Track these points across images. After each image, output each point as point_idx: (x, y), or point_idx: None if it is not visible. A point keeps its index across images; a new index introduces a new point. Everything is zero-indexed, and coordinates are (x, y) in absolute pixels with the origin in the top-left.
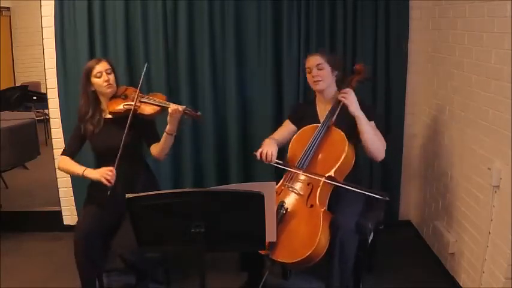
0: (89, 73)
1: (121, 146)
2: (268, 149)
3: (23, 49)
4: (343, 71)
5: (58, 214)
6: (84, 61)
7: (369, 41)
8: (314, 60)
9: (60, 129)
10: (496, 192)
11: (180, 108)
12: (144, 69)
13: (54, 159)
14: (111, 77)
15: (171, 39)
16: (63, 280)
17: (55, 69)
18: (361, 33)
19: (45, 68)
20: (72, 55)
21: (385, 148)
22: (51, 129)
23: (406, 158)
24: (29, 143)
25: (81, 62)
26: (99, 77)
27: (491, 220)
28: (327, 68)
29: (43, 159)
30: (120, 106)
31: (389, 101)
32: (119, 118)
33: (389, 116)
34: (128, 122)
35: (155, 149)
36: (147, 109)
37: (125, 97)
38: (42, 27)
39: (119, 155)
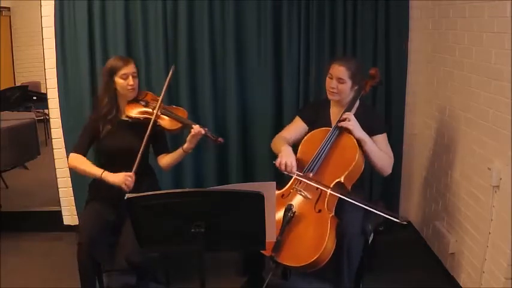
0: (113, 72)
1: (139, 156)
2: (288, 159)
3: (23, 49)
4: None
5: (58, 214)
6: (84, 61)
7: (369, 41)
8: (338, 72)
9: (60, 129)
10: (496, 192)
11: (203, 131)
12: (170, 74)
13: (54, 159)
14: (136, 80)
15: (171, 39)
16: (63, 280)
17: (55, 69)
18: (361, 33)
19: (45, 68)
20: (72, 55)
21: (392, 163)
22: (51, 129)
23: (406, 158)
24: (29, 143)
25: (81, 62)
26: (125, 79)
27: (491, 220)
28: (348, 84)
29: (43, 159)
30: (140, 113)
31: (390, 101)
32: (135, 123)
33: (390, 116)
34: (148, 133)
35: (164, 160)
36: (168, 123)
37: (145, 104)
38: (42, 27)
39: (136, 163)
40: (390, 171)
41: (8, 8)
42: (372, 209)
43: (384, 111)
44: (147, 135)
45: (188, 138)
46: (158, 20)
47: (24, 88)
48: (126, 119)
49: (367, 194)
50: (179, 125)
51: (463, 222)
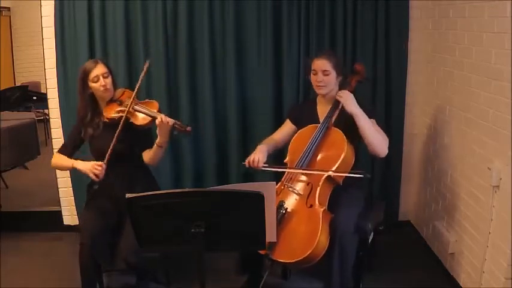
0: (85, 76)
1: (109, 151)
2: (255, 156)
3: (23, 49)
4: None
5: (58, 214)
6: (84, 61)
7: (368, 41)
8: (321, 65)
9: (60, 129)
10: (496, 192)
11: (170, 122)
12: (143, 71)
13: None
14: (108, 80)
15: (171, 39)
16: (63, 280)
17: (55, 69)
18: (361, 33)
19: (45, 68)
20: (72, 55)
21: (388, 144)
22: (51, 129)
23: (406, 158)
24: (29, 143)
25: (81, 62)
26: (96, 82)
27: (491, 220)
28: (333, 74)
29: (43, 159)
30: (115, 112)
31: (390, 101)
32: (118, 124)
33: (390, 116)
34: (118, 129)
35: (146, 156)
36: (139, 119)
37: (120, 102)
38: (42, 27)
39: (107, 155)
40: (386, 152)
41: (8, 8)
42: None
43: (384, 111)
44: (118, 132)
45: (157, 131)
46: (158, 20)
47: (24, 88)
48: (106, 120)
49: (367, 194)
50: (149, 119)
51: (463, 222)
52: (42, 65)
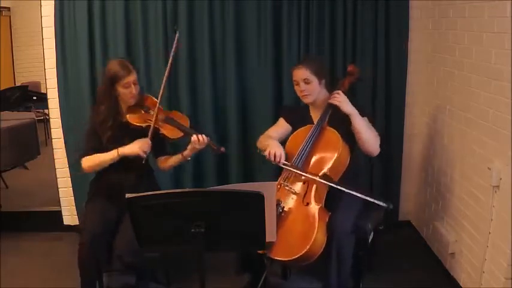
0: (115, 80)
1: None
2: (277, 150)
3: (23, 49)
4: (331, 75)
5: (58, 214)
6: (84, 61)
7: (368, 41)
8: (301, 74)
9: (60, 129)
10: (496, 192)
11: (206, 140)
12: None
13: (54, 159)
14: (137, 87)
15: (171, 39)
16: (63, 280)
17: (55, 69)
18: (361, 33)
19: (45, 68)
20: (72, 55)
21: (379, 142)
22: (51, 129)
23: (406, 158)
24: (29, 143)
25: (81, 62)
26: (127, 88)
27: (491, 220)
28: (315, 81)
29: (43, 159)
30: (141, 121)
31: (389, 101)
32: (139, 129)
33: (389, 116)
34: (148, 139)
35: (163, 163)
36: (171, 132)
37: (146, 110)
38: (42, 27)
39: (149, 135)
40: (378, 151)
41: (8, 8)
42: (357, 194)
43: (384, 111)
44: (149, 140)
45: (189, 146)
46: (158, 20)
47: (24, 88)
48: (127, 122)
49: (367, 194)
50: (181, 134)
51: (463, 222)
52: (42, 65)
